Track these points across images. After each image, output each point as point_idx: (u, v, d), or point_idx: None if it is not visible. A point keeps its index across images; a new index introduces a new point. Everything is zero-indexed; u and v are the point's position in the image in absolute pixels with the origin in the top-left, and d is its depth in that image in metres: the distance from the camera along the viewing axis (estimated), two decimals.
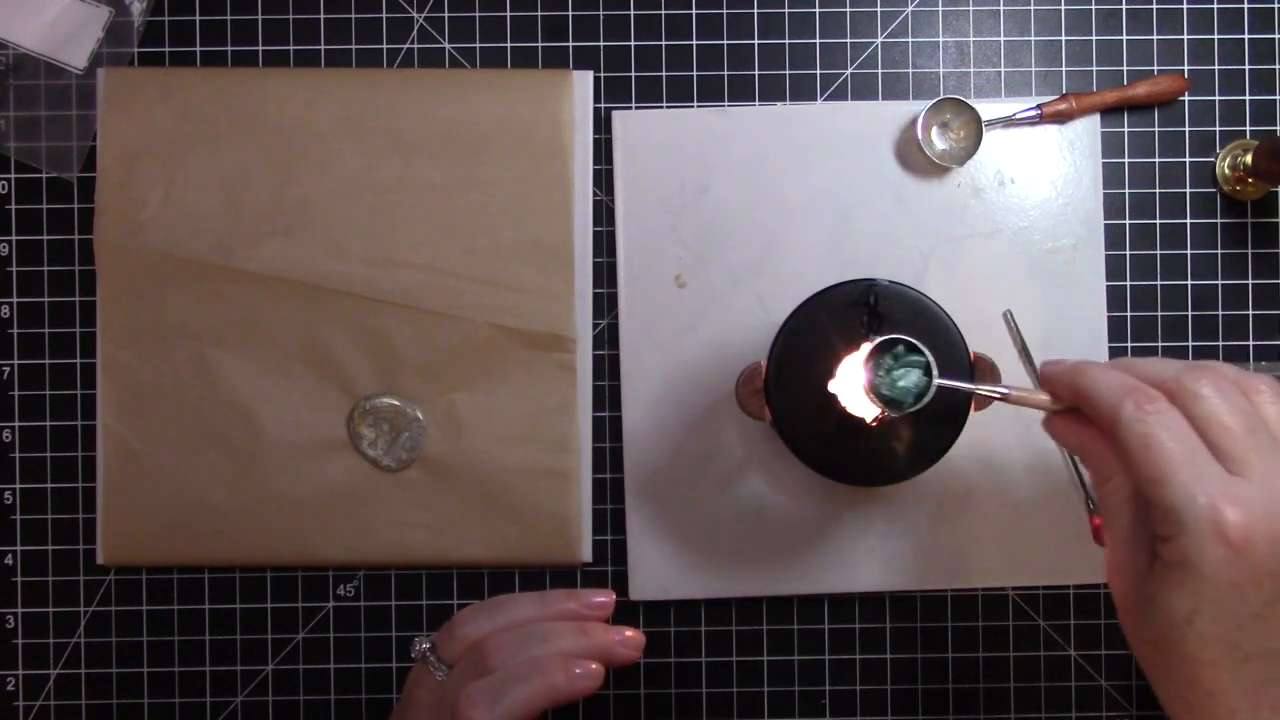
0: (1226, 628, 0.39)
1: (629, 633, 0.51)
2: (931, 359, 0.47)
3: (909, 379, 0.47)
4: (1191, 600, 0.39)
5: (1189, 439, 0.40)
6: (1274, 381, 0.42)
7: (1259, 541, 0.38)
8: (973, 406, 0.50)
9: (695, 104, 0.61)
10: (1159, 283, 0.61)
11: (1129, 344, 0.60)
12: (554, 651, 0.49)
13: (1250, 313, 0.61)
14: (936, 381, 0.47)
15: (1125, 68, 0.61)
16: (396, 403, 0.59)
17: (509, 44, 0.61)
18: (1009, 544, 0.60)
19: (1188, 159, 0.61)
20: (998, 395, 0.46)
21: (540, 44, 0.61)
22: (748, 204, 0.60)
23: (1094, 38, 0.61)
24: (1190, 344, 0.61)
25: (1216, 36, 0.61)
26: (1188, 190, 0.61)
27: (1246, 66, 0.61)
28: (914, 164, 0.60)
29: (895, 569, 0.60)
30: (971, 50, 0.61)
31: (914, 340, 0.47)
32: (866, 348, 0.47)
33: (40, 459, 0.60)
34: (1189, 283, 0.61)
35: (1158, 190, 0.61)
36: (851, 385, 0.49)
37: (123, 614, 0.61)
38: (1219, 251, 0.61)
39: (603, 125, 0.60)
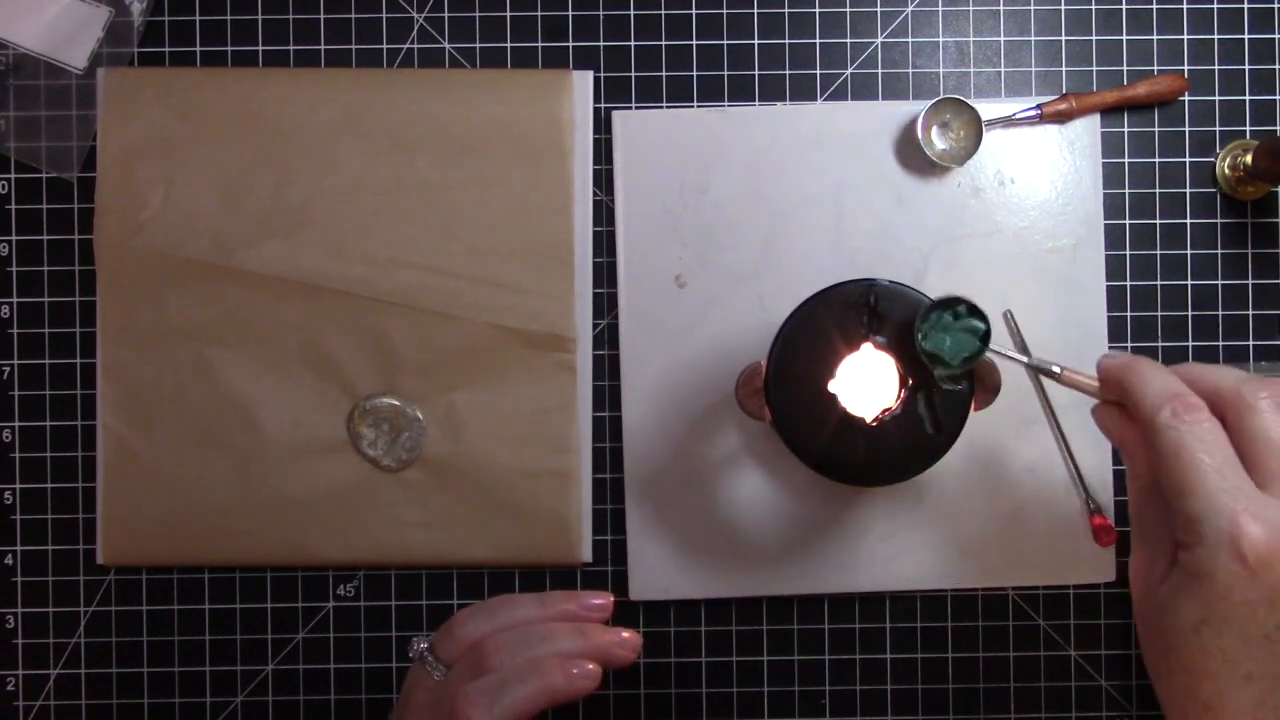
0: (1232, 644, 0.39)
1: (626, 634, 0.51)
2: (989, 324, 0.47)
3: (960, 341, 0.48)
4: (1201, 611, 0.39)
5: (1222, 452, 0.40)
6: None
7: (1277, 563, 0.38)
8: (973, 406, 0.50)
9: (695, 104, 0.61)
10: (1159, 283, 0.61)
11: (1129, 344, 0.60)
12: (552, 652, 0.49)
13: (1250, 313, 0.61)
14: (991, 348, 0.48)
15: (1125, 68, 0.61)
16: (396, 403, 0.59)
17: (509, 44, 0.61)
18: (1009, 544, 0.60)
19: (1188, 159, 0.61)
20: (1053, 372, 0.47)
21: (540, 44, 0.61)
22: (748, 204, 0.60)
23: (1094, 38, 0.61)
24: (1190, 344, 0.61)
25: (1216, 36, 0.61)
26: (1188, 190, 0.61)
27: (1246, 66, 0.61)
28: (914, 164, 0.60)
29: (895, 569, 0.60)
30: (971, 50, 0.61)
31: (976, 303, 0.48)
32: (927, 304, 0.48)
33: (40, 459, 0.60)
34: (1189, 283, 0.61)
35: (1158, 190, 0.61)
36: (855, 384, 0.49)
37: (123, 614, 0.61)
38: (1219, 251, 0.61)
39: (603, 125, 0.60)
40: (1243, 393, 0.41)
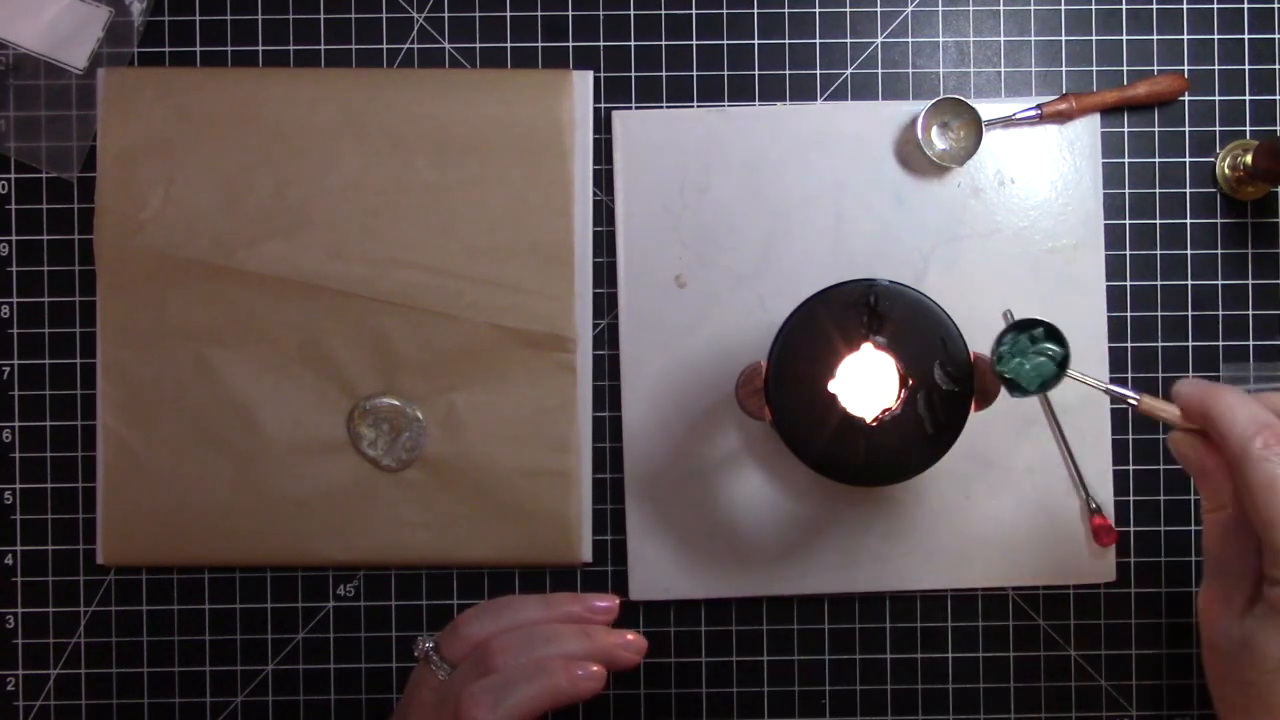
0: None
1: (631, 636, 0.51)
2: (1068, 349, 0.47)
3: (1037, 366, 0.47)
4: None
5: None
6: None
7: None
8: (973, 407, 0.50)
9: (695, 104, 0.61)
10: (1159, 283, 0.61)
11: (1129, 344, 0.60)
12: (557, 653, 0.49)
13: (1250, 313, 0.61)
14: (1069, 373, 0.47)
15: (1125, 68, 0.61)
16: (396, 403, 0.59)
17: (509, 44, 0.61)
18: (1009, 544, 0.60)
19: (1188, 159, 0.61)
20: (1130, 402, 0.46)
21: (540, 44, 0.61)
22: (748, 204, 0.60)
23: (1094, 38, 0.61)
24: (1190, 344, 0.61)
25: (1216, 36, 0.61)
26: (1188, 190, 0.61)
27: (1246, 66, 0.61)
28: (914, 164, 0.60)
29: (895, 569, 0.60)
30: (971, 50, 0.61)
31: (1056, 326, 0.47)
32: (1002, 327, 0.48)
33: (40, 459, 0.60)
34: (1189, 283, 0.61)
35: (1158, 190, 0.61)
36: (855, 384, 0.49)
37: (123, 614, 0.61)
38: (1219, 251, 0.61)
39: (603, 125, 0.60)
40: None
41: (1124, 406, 0.58)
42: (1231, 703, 0.41)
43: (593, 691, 0.48)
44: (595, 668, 0.48)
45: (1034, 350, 0.48)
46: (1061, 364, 0.47)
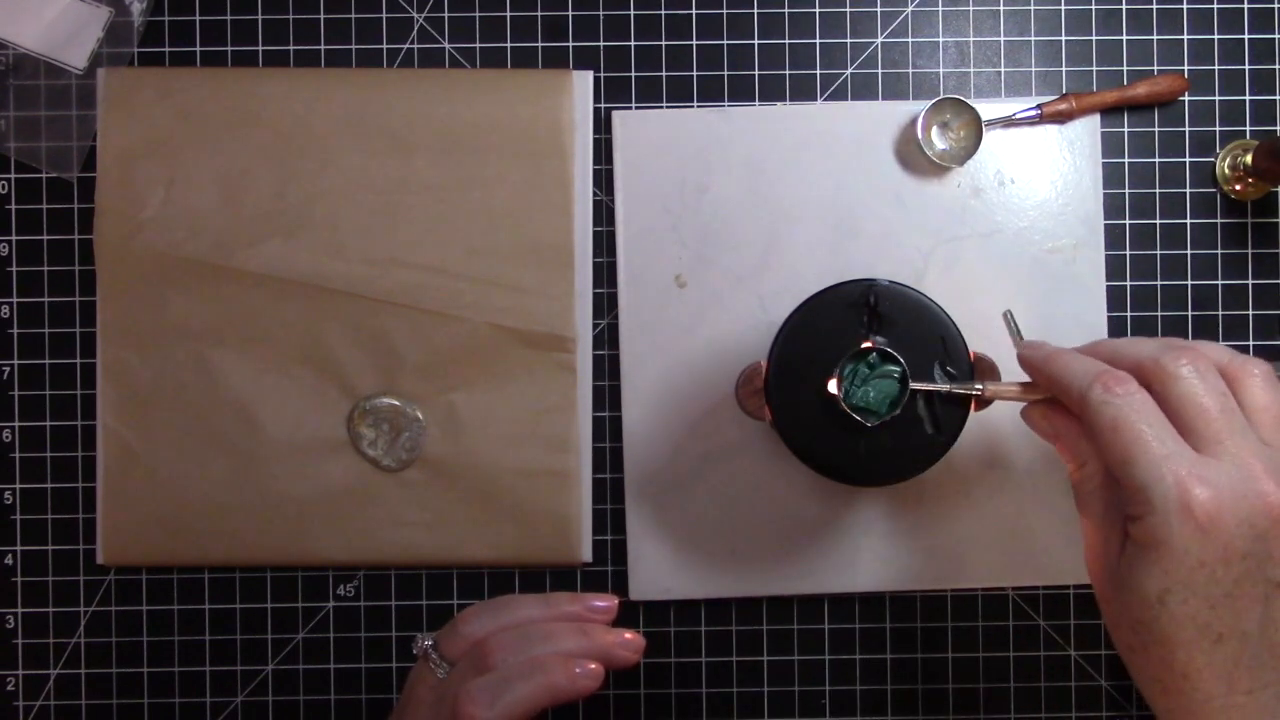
0: (1198, 607, 0.39)
1: (629, 635, 0.51)
2: (905, 365, 0.48)
3: (881, 388, 0.48)
4: (1163, 579, 0.39)
5: (1157, 419, 0.41)
6: (1268, 367, 0.42)
7: (1228, 520, 0.39)
8: (973, 407, 0.50)
9: (695, 104, 0.61)
10: (1159, 283, 0.61)
11: None
12: (555, 651, 0.49)
13: (1250, 313, 0.61)
14: (911, 385, 0.48)
15: (1125, 68, 0.61)
16: (396, 403, 0.59)
17: (509, 44, 0.61)
18: (1009, 544, 0.60)
19: (1188, 159, 0.61)
20: (975, 391, 0.48)
21: (540, 44, 0.61)
22: (748, 204, 0.60)
23: (1094, 38, 0.61)
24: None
25: (1216, 36, 0.61)
26: (1188, 190, 0.61)
27: (1246, 66, 0.61)
28: (914, 164, 0.60)
29: (895, 569, 0.60)
30: (971, 50, 0.61)
31: (888, 348, 0.48)
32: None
33: (40, 459, 0.60)
34: (1189, 283, 0.61)
35: (1158, 190, 0.61)
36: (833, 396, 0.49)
37: (123, 614, 0.61)
38: (1219, 251, 0.61)
39: (603, 125, 0.60)
40: (1163, 362, 0.42)
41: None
42: (1129, 645, 0.42)
43: (590, 689, 0.48)
44: (593, 666, 0.48)
45: (875, 375, 0.49)
46: (903, 380, 0.49)
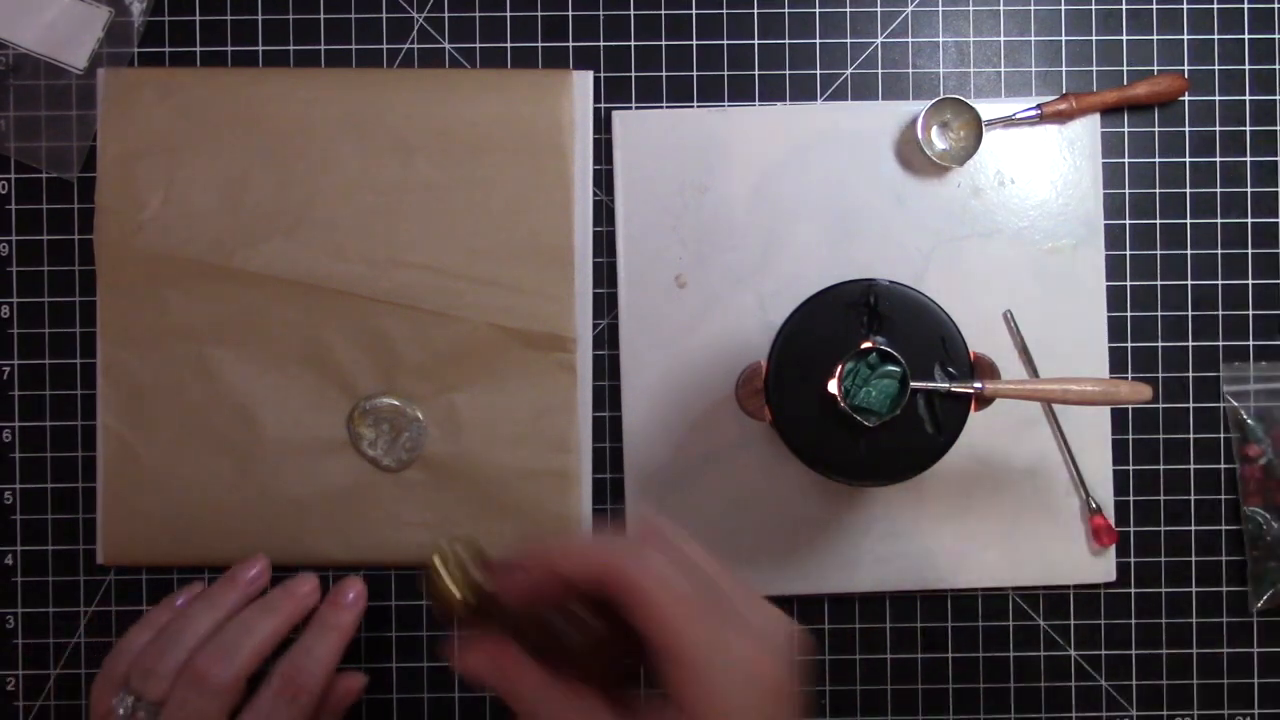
0: None
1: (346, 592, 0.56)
2: (905, 365, 0.48)
3: (881, 388, 0.48)
4: None
5: None
6: None
7: None
8: (973, 407, 0.50)
9: (695, 104, 0.61)
10: (1159, 283, 0.61)
11: (1129, 344, 0.60)
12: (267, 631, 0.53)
13: (1250, 313, 0.61)
14: (912, 385, 0.48)
15: (1125, 68, 0.61)
16: (396, 403, 0.59)
17: (509, 44, 0.61)
18: (1009, 544, 0.60)
19: (1188, 159, 0.61)
20: (974, 392, 0.48)
21: (540, 44, 0.61)
22: (748, 204, 0.60)
23: (1094, 38, 0.61)
24: (1190, 344, 0.61)
25: (1216, 36, 0.61)
26: (1188, 190, 0.61)
27: (1246, 66, 0.61)
28: (914, 164, 0.60)
29: (895, 569, 0.60)
30: (971, 50, 0.61)
31: (888, 348, 0.48)
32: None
33: (40, 459, 0.60)
34: (1189, 283, 0.61)
35: (1158, 190, 0.61)
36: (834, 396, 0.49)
37: (123, 614, 0.60)
38: (1219, 252, 0.61)
39: (603, 125, 0.60)
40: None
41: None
42: None
43: (314, 597, 0.55)
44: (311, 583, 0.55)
45: (875, 375, 0.49)
46: (903, 380, 0.49)
